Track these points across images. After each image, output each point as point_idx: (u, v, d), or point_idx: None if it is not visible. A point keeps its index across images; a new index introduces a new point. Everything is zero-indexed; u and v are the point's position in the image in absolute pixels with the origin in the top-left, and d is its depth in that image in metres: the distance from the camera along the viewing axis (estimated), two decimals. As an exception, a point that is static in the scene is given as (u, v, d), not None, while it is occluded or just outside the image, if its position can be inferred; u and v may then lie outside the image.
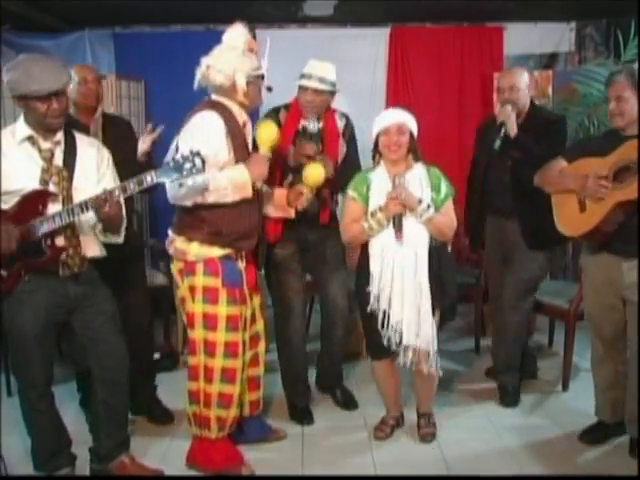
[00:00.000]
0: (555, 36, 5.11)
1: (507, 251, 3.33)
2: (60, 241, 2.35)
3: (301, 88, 2.96)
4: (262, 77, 2.62)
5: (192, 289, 2.60)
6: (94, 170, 2.45)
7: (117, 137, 2.96)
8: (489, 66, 4.93)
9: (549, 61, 5.16)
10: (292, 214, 2.86)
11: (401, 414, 3.10)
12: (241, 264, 2.67)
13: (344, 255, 3.23)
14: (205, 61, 2.54)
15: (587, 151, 2.74)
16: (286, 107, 3.04)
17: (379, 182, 2.76)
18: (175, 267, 2.66)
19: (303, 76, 2.94)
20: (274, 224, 2.97)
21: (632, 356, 2.72)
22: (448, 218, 2.75)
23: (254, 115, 2.95)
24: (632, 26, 4.23)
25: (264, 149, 2.63)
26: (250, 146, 2.69)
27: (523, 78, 3.16)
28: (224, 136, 2.52)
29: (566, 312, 3.48)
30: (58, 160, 2.37)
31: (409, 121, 2.75)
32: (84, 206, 2.27)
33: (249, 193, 2.55)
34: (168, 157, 2.48)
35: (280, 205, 2.84)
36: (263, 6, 4.44)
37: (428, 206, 2.67)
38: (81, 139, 2.48)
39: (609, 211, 2.57)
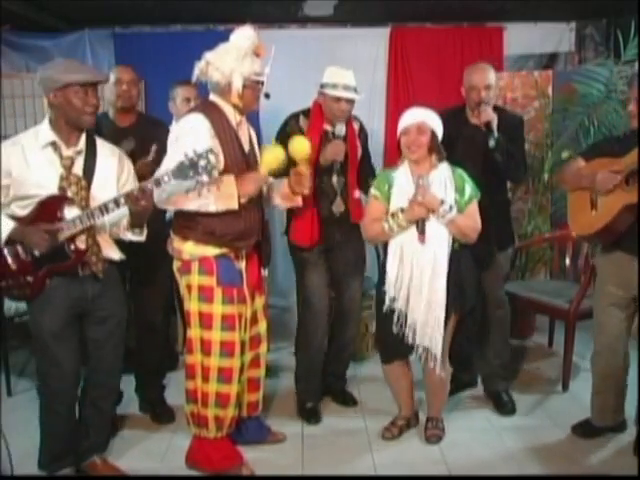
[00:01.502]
0: (555, 36, 5.09)
1: (479, 253, 3.27)
2: (82, 244, 2.37)
3: (331, 97, 2.95)
4: (262, 83, 2.59)
5: (189, 287, 2.61)
6: (114, 179, 2.47)
7: (154, 139, 2.91)
8: (489, 66, 4.93)
9: (549, 61, 5.15)
10: (300, 202, 2.84)
11: (415, 415, 3.09)
12: (240, 263, 2.66)
13: (364, 257, 3.27)
14: (206, 56, 2.53)
15: (604, 152, 2.75)
16: (304, 113, 3.06)
17: (401, 182, 2.74)
18: (175, 266, 2.67)
19: (330, 86, 2.94)
20: (310, 229, 2.99)
21: None
22: (471, 220, 2.71)
23: (254, 117, 2.95)
24: (632, 26, 4.22)
25: (264, 170, 2.60)
26: (247, 147, 2.66)
27: (494, 76, 3.12)
28: (210, 137, 2.49)
29: (566, 312, 3.47)
30: (78, 169, 2.39)
31: (430, 120, 2.71)
32: (114, 203, 2.30)
33: (234, 205, 2.51)
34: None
35: (286, 195, 2.81)
36: (263, 6, 4.43)
37: (450, 207, 2.63)
38: (103, 147, 2.49)
39: (617, 213, 2.59)
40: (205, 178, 2.34)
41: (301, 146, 2.73)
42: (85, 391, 2.59)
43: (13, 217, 2.34)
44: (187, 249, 2.58)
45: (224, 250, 2.59)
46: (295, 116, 3.08)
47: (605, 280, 2.81)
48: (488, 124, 2.97)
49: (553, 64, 5.14)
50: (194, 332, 2.63)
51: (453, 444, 2.93)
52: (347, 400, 3.35)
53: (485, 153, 3.02)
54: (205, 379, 2.62)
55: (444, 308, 2.68)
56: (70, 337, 2.44)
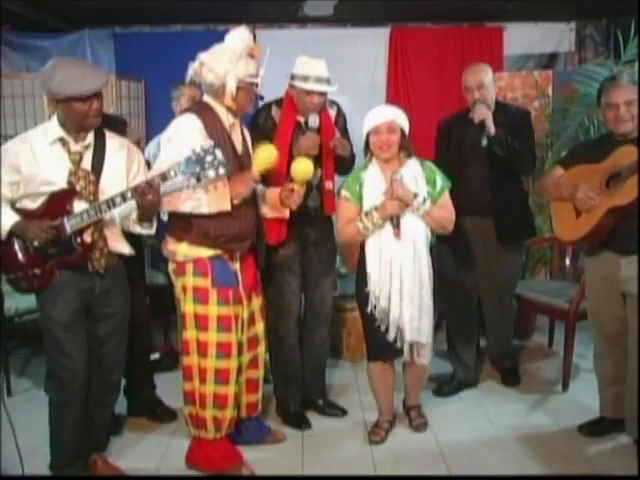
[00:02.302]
0: (555, 36, 5.11)
1: (487, 249, 3.31)
2: (89, 238, 2.38)
3: (301, 90, 2.84)
4: (256, 85, 2.56)
5: (184, 289, 2.61)
6: (123, 173, 2.47)
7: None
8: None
9: (549, 61, 5.17)
10: (286, 214, 2.81)
11: (394, 416, 3.08)
12: (235, 264, 2.65)
13: (336, 255, 3.25)
14: (200, 57, 2.52)
15: (582, 158, 2.77)
16: (277, 103, 2.98)
17: (372, 180, 2.73)
18: (170, 267, 2.67)
19: (300, 78, 2.82)
20: (278, 227, 2.91)
21: (632, 351, 2.72)
22: (446, 211, 2.75)
23: (249, 115, 2.95)
24: (632, 26, 4.23)
25: (256, 170, 2.58)
26: (240, 149, 2.65)
27: (488, 75, 3.16)
28: (202, 138, 2.47)
29: (566, 312, 3.47)
30: (86, 163, 2.39)
31: (399, 118, 2.71)
32: (121, 197, 2.31)
33: (227, 207, 2.50)
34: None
35: (274, 205, 2.79)
36: (263, 6, 4.44)
37: (424, 200, 2.65)
38: (112, 140, 2.49)
39: (601, 217, 2.62)
40: (212, 173, 2.34)
41: (305, 169, 2.71)
42: (88, 388, 2.57)
43: (21, 210, 2.36)
44: (181, 250, 2.58)
45: (218, 251, 2.58)
46: (267, 106, 2.97)
47: (594, 279, 2.83)
48: (482, 122, 3.05)
49: (553, 64, 5.15)
50: (190, 334, 2.62)
51: (453, 443, 2.93)
52: (331, 411, 3.22)
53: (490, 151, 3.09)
54: (202, 380, 2.62)
55: (431, 298, 2.73)
56: (79, 331, 2.44)
